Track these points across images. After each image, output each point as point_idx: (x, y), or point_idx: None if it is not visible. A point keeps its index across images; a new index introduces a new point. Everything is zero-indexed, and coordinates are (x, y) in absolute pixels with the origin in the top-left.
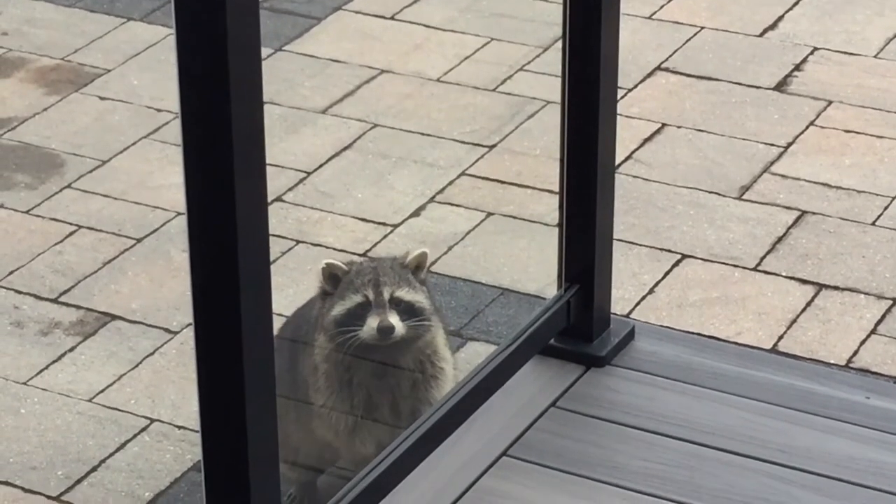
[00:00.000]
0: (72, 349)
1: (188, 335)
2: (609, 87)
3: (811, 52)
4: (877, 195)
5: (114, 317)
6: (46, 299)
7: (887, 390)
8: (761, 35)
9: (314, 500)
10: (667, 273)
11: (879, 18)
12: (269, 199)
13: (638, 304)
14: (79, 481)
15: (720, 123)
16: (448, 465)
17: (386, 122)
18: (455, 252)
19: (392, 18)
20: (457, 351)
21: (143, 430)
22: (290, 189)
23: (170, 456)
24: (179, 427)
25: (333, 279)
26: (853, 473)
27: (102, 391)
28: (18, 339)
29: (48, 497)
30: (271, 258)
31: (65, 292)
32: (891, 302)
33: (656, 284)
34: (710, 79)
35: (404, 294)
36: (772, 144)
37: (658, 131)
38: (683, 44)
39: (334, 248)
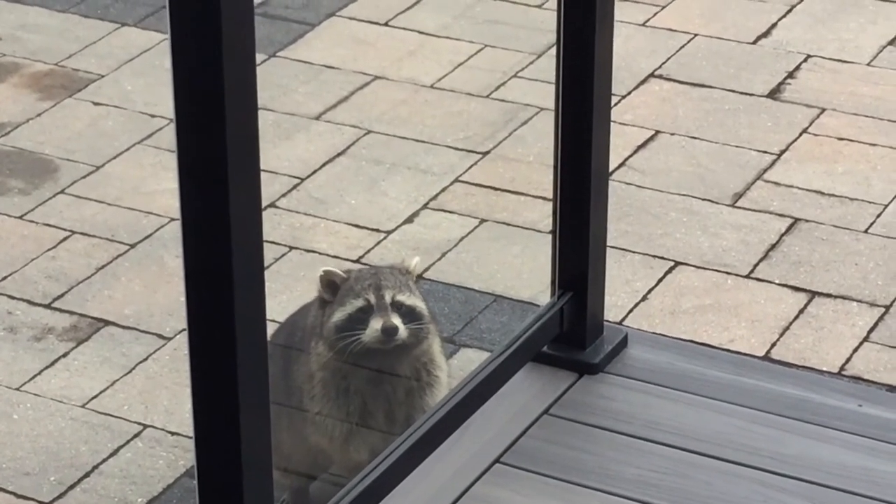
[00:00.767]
0: (65, 355)
1: (182, 341)
2: (602, 93)
3: (804, 60)
4: (870, 203)
5: (107, 322)
6: (40, 305)
7: (879, 398)
8: (755, 42)
9: None
10: (660, 280)
11: (872, 26)
12: (263, 205)
13: (631, 311)
14: (71, 487)
15: (713, 131)
16: (441, 471)
17: (379, 128)
18: (448, 258)
19: (386, 25)
20: (450, 357)
21: (136, 435)
22: (283, 195)
23: (163, 462)
24: (172, 433)
25: (331, 287)
26: (845, 481)
27: (95, 397)
28: (11, 344)
29: (41, 503)
30: (265, 264)
31: (58, 298)
32: (883, 309)
33: (649, 292)
34: (703, 86)
35: (405, 298)
36: (765, 152)
37: (651, 138)
38: (677, 51)
39: (328, 255)
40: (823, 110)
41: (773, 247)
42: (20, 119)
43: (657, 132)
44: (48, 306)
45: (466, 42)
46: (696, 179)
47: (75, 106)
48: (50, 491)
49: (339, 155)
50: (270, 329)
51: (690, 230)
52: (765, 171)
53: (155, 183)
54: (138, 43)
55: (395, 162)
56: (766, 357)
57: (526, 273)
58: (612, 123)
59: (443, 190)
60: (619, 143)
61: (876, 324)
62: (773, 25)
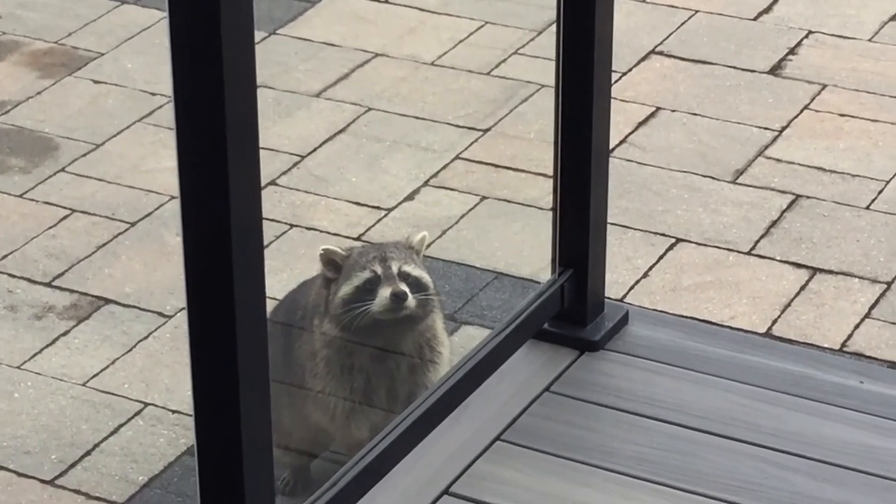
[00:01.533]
0: (65, 333)
1: (182, 319)
2: (603, 70)
3: (806, 36)
4: (871, 179)
5: (107, 301)
6: (40, 283)
7: (881, 374)
8: (756, 19)
9: (308, 485)
10: (661, 257)
11: (874, 2)
12: (263, 183)
13: (632, 288)
14: (72, 465)
15: (714, 107)
16: (442, 449)
17: (380, 105)
18: (449, 236)
19: (386, 2)
20: (451, 335)
21: (137, 414)
22: (283, 173)
23: (163, 440)
24: (173, 411)
25: (332, 265)
26: (846, 458)
27: (96, 375)
28: (12, 323)
29: (42, 481)
30: (265, 242)
31: (58, 276)
32: (885, 286)
33: (650, 268)
34: (704, 62)
35: (412, 269)
36: (766, 128)
37: (652, 115)
38: (678, 27)
39: (328, 232)
40: (825, 86)
41: (774, 223)
42: (20, 97)
43: (658, 109)
44: (49, 285)
45: (467, 19)
46: (697, 156)
47: (75, 84)
48: (51, 469)
49: (339, 132)
50: (269, 307)
51: (691, 207)
52: (766, 147)
53: (155, 161)
54: (138, 21)
55: (396, 139)
56: (768, 334)
57: (526, 250)
58: (612, 100)
59: (443, 167)
60: (620, 119)
61: (877, 300)
62: (775, 1)
